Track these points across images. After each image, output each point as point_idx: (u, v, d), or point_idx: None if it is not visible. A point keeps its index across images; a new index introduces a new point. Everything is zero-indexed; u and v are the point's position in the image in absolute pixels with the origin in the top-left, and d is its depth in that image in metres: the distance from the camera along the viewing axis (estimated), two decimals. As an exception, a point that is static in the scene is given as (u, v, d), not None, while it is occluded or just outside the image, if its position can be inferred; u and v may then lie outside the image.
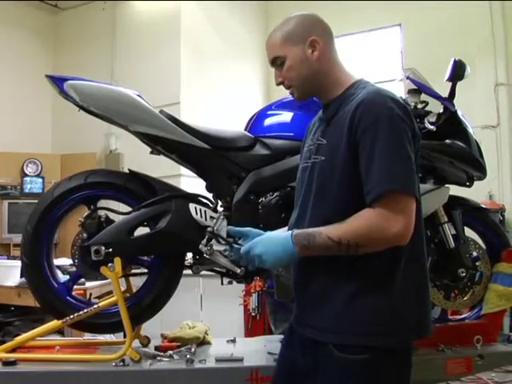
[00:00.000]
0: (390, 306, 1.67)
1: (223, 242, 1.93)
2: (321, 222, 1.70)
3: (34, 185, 7.36)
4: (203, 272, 2.63)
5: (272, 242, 1.72)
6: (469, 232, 2.86)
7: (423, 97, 2.76)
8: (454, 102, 2.70)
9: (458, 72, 2.64)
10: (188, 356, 2.43)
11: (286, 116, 2.67)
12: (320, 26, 1.86)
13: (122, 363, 2.35)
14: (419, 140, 1.75)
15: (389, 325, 1.67)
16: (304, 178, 1.85)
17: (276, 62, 1.86)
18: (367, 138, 1.65)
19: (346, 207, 1.68)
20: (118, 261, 2.41)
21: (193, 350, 2.57)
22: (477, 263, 2.83)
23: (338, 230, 1.63)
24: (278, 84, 1.89)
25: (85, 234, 2.48)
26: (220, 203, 2.62)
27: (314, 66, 1.82)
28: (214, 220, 2.51)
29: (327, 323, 1.72)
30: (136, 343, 2.57)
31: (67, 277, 2.98)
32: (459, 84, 2.68)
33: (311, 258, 1.69)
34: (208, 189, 2.66)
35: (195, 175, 2.69)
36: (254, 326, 5.21)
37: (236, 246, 1.83)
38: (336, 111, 1.78)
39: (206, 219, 2.51)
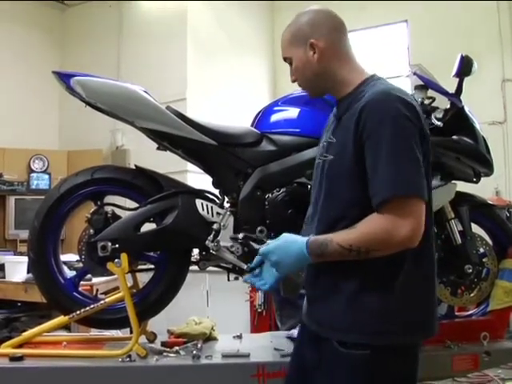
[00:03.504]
0: (390, 307, 1.67)
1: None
2: (329, 223, 1.71)
3: (40, 181, 7.36)
4: (210, 268, 2.64)
5: (287, 250, 1.71)
6: (476, 228, 2.85)
7: (430, 93, 2.75)
8: (461, 97, 2.69)
9: (465, 68, 2.63)
10: (194, 352, 2.44)
11: (292, 112, 2.66)
12: (327, 24, 1.83)
13: (128, 359, 2.36)
14: (428, 140, 1.71)
15: (388, 324, 1.67)
16: (317, 175, 1.85)
17: (287, 61, 1.89)
18: (373, 140, 1.62)
19: (354, 209, 1.68)
20: (124, 256, 2.41)
21: (199, 345, 2.57)
22: (483, 259, 2.82)
23: (347, 237, 1.62)
24: (293, 81, 1.91)
25: (91, 230, 2.48)
26: (226, 199, 2.61)
27: (316, 68, 1.81)
28: (221, 216, 2.51)
29: (330, 320, 1.73)
30: (142, 339, 2.58)
31: (74, 272, 2.98)
32: (466, 80, 2.67)
33: None
34: (214, 185, 2.66)
35: (202, 171, 2.68)
36: (260, 322, 5.22)
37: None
38: (347, 109, 1.76)
39: (212, 215, 2.51)
